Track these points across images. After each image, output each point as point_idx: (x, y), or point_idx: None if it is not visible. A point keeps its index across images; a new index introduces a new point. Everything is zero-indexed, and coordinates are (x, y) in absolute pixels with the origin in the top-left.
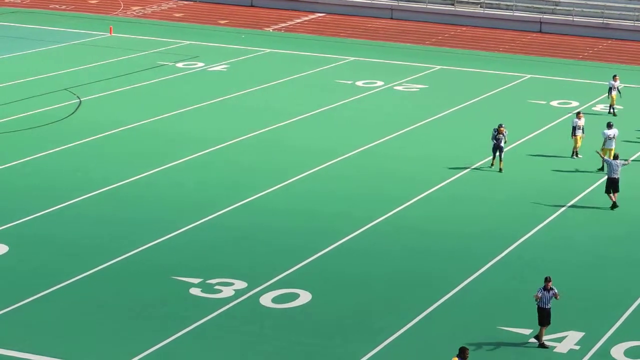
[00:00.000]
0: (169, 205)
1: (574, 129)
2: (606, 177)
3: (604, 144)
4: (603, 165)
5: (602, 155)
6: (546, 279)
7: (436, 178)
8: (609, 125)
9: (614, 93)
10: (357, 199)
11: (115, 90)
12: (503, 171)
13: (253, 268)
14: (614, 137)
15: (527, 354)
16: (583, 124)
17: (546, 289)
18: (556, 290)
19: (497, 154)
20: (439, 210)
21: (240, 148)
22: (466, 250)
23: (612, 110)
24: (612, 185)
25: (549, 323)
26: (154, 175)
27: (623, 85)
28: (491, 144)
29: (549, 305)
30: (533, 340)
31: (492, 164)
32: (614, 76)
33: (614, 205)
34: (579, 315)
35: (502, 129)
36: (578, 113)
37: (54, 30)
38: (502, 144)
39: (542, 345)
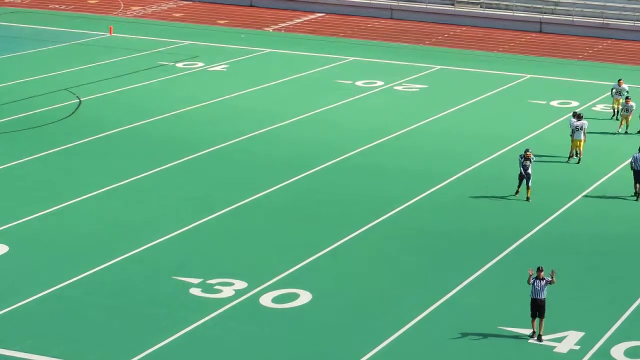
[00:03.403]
0: (169, 205)
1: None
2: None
3: (572, 135)
4: (579, 159)
5: None
6: (538, 268)
7: (437, 178)
8: (579, 117)
9: (620, 97)
10: (356, 198)
11: (115, 90)
12: (531, 200)
13: (253, 268)
14: (581, 129)
15: (527, 354)
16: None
17: (539, 278)
18: (548, 278)
19: (525, 181)
20: (439, 210)
21: (240, 148)
22: (466, 249)
23: (616, 115)
24: (638, 177)
25: (543, 315)
26: (154, 175)
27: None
28: (516, 169)
29: (543, 296)
30: (533, 340)
31: (516, 192)
32: (619, 80)
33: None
34: (579, 315)
35: (529, 153)
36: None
37: (54, 30)
38: (530, 171)
39: (533, 336)
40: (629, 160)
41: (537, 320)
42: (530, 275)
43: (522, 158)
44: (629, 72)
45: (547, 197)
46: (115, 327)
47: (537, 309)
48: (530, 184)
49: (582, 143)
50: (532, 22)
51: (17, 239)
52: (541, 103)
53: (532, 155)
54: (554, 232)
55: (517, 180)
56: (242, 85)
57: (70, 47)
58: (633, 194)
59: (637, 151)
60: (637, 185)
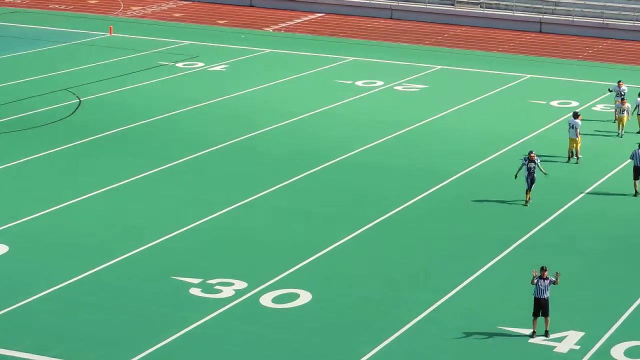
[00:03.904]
0: (169, 205)
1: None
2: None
3: (568, 132)
4: (578, 159)
5: None
6: (542, 268)
7: (437, 177)
8: (575, 115)
9: (619, 98)
10: (356, 198)
11: (115, 90)
12: (531, 200)
13: (253, 268)
14: (573, 127)
15: (527, 354)
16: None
17: (542, 277)
18: (552, 278)
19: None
20: (439, 210)
21: (240, 148)
22: (466, 249)
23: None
24: (637, 173)
25: (547, 314)
26: (154, 175)
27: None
28: (514, 172)
29: (546, 296)
30: (534, 340)
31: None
32: (619, 82)
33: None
34: (579, 315)
35: (532, 155)
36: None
37: (54, 30)
38: (536, 174)
39: (533, 335)
40: (629, 157)
41: (539, 319)
42: (534, 276)
43: (526, 160)
44: (629, 72)
45: (547, 197)
46: (115, 327)
47: (541, 308)
48: (532, 187)
49: (576, 143)
50: (532, 22)
51: (17, 239)
52: (541, 103)
53: (536, 157)
54: (554, 232)
55: (525, 183)
56: (242, 85)
57: (70, 47)
58: (634, 194)
59: (637, 147)
60: (636, 182)
